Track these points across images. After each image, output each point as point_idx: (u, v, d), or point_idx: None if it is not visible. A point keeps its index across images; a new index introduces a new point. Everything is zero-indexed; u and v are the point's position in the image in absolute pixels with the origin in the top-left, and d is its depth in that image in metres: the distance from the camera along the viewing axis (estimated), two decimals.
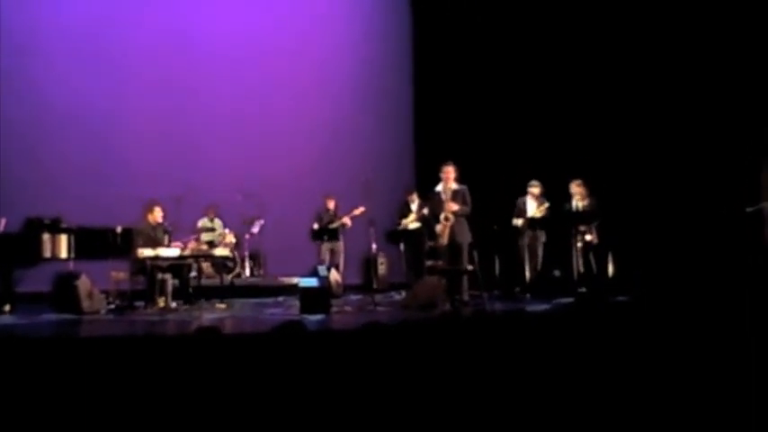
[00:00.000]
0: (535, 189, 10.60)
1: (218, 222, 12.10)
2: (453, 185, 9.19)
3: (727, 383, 4.42)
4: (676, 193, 10.97)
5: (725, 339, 5.10)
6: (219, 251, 10.47)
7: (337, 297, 10.17)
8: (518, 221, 10.52)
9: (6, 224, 9.14)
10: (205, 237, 11.47)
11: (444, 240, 9.11)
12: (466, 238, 9.13)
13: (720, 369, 4.60)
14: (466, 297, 9.10)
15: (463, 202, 9.14)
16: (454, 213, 9.06)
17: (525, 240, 10.52)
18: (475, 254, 9.23)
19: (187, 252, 9.57)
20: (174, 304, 9.30)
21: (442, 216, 9.09)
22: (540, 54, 12.60)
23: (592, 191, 10.29)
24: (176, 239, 9.79)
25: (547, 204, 10.48)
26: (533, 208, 10.55)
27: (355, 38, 14.47)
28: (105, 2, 12.81)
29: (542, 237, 10.62)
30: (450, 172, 9.20)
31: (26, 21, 12.13)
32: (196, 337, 5.07)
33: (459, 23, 13.46)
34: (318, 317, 7.99)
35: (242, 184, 12.17)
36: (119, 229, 9.18)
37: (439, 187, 9.28)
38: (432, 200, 9.42)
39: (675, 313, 6.65)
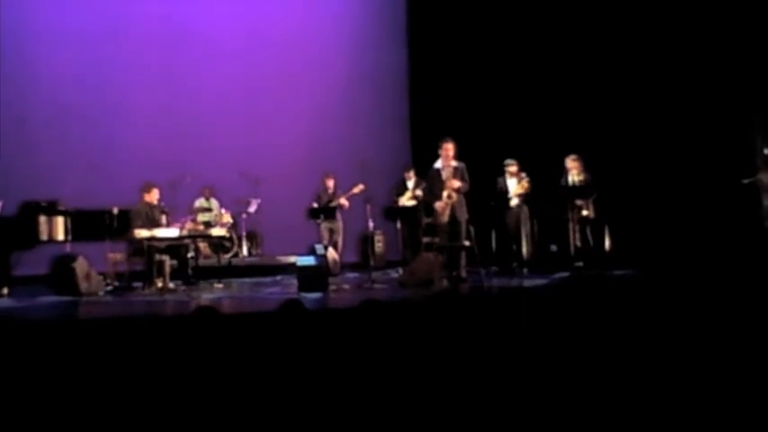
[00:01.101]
0: (512, 167, 10.61)
1: (214, 202, 12.08)
2: (453, 162, 9.18)
3: (725, 354, 4.45)
4: (672, 166, 10.98)
5: (724, 312, 5.12)
6: (216, 231, 10.47)
7: (335, 275, 10.18)
8: (513, 200, 10.53)
9: (3, 207, 9.13)
10: (202, 217, 11.47)
11: (445, 218, 9.12)
12: (465, 215, 9.14)
13: (720, 342, 4.62)
14: (464, 273, 9.12)
15: (462, 179, 9.14)
16: (456, 191, 9.06)
17: (519, 216, 10.53)
18: (471, 230, 9.24)
19: (184, 232, 9.57)
20: (172, 285, 9.32)
21: (444, 194, 9.08)
22: (535, 29, 12.56)
23: (587, 165, 10.30)
24: (173, 220, 9.80)
25: (527, 179, 10.48)
26: (514, 185, 10.56)
27: (351, 19, 14.42)
28: None
29: (527, 211, 10.64)
30: (449, 149, 9.17)
31: (24, 7, 12.05)
32: (194, 316, 5.08)
33: (453, 2, 13.40)
34: (316, 295, 8.02)
35: (238, 164, 12.16)
36: (115, 211, 9.16)
37: (438, 164, 9.26)
38: (431, 177, 9.41)
39: (674, 287, 6.67)
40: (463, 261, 9.17)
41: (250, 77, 13.29)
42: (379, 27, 14.50)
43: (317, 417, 3.91)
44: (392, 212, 10.81)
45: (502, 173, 10.68)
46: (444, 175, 9.15)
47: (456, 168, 9.15)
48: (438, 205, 9.17)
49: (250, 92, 13.25)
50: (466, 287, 8.71)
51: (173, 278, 9.42)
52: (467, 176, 9.19)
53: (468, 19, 13.24)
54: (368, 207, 10.07)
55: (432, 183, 9.39)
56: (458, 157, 9.29)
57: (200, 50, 13.06)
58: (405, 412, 3.95)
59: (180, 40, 12.93)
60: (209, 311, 5.11)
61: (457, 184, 9.06)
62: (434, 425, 3.92)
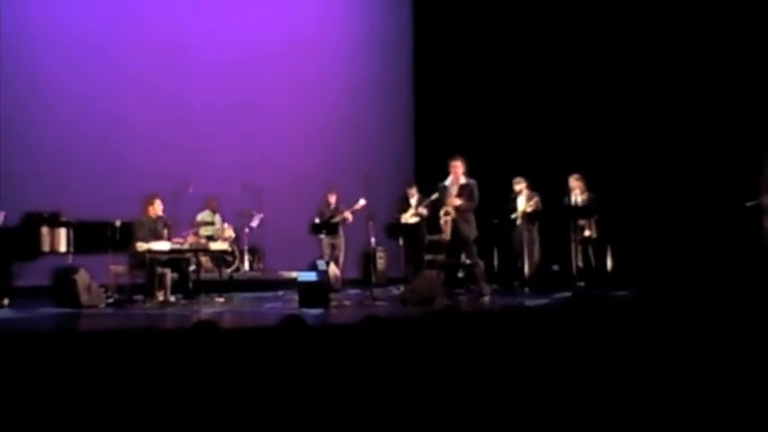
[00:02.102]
0: (519, 185, 10.65)
1: (216, 216, 12.07)
2: (462, 180, 9.22)
3: (726, 376, 4.43)
4: (675, 187, 10.98)
5: (726, 333, 5.11)
6: (218, 245, 10.47)
7: (336, 291, 10.16)
8: (514, 216, 10.57)
9: (5, 218, 9.13)
10: (204, 231, 11.45)
11: (446, 235, 9.15)
12: (470, 232, 9.15)
13: (722, 362, 4.61)
14: (486, 291, 9.10)
15: (469, 197, 9.16)
16: (457, 208, 9.09)
17: (523, 235, 10.53)
18: (474, 248, 9.25)
19: (186, 246, 9.57)
20: (173, 298, 9.31)
21: (442, 211, 9.12)
22: (540, 47, 12.60)
23: (590, 185, 10.30)
24: (176, 233, 9.79)
25: (536, 198, 10.51)
26: (523, 203, 10.59)
27: (355, 31, 14.47)
28: None
29: (535, 231, 10.65)
30: (457, 166, 9.25)
31: (24, 16, 12.09)
32: (195, 331, 5.07)
33: (459, 17, 13.44)
34: (317, 311, 8.00)
35: (241, 177, 12.16)
36: (117, 223, 9.16)
37: (447, 181, 9.31)
38: (440, 193, 9.47)
39: (675, 308, 6.65)
40: (481, 277, 9.19)
41: (253, 89, 13.30)
42: (384, 39, 14.54)
43: None
44: (394, 229, 10.80)
45: (510, 191, 10.71)
46: (450, 192, 9.20)
47: (463, 186, 9.20)
48: (441, 222, 9.22)
49: (253, 104, 13.26)
50: (467, 305, 8.70)
51: (174, 291, 9.41)
52: (475, 195, 9.22)
53: (473, 32, 13.28)
54: (370, 223, 10.07)
55: (440, 199, 9.45)
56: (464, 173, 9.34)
57: (203, 60, 13.09)
58: (404, 430, 3.93)
59: (183, 50, 12.96)
60: (210, 326, 5.09)
61: (457, 201, 9.10)
62: None
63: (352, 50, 14.35)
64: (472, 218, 9.22)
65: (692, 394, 4.30)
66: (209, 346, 4.51)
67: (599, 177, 10.46)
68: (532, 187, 10.70)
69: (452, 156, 9.39)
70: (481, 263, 9.32)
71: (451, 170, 9.26)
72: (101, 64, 12.41)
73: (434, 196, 10.47)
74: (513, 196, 10.71)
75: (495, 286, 10.09)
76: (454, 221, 9.13)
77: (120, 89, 12.47)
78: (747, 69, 10.59)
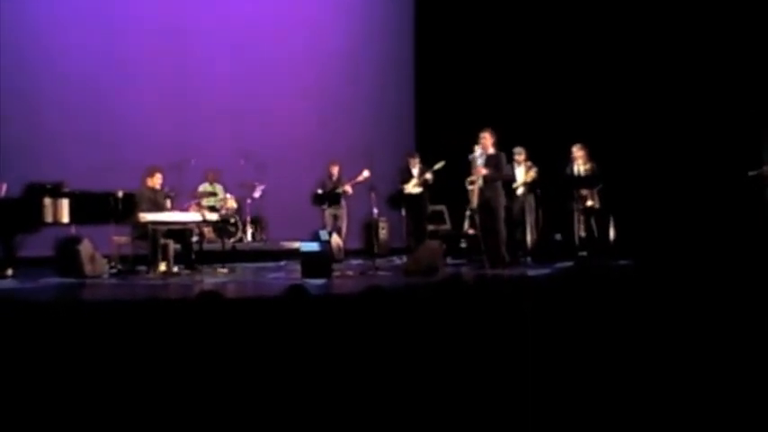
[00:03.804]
0: (519, 156, 10.64)
1: (219, 187, 12.07)
2: (490, 151, 9.27)
3: (727, 346, 4.45)
4: (678, 157, 10.96)
5: (727, 302, 5.12)
6: (220, 215, 10.47)
7: (338, 261, 10.18)
8: (515, 187, 10.55)
9: (7, 189, 9.13)
10: (206, 201, 11.46)
11: (473, 203, 9.32)
12: (497, 201, 9.20)
13: (723, 332, 4.62)
14: (492, 264, 9.12)
15: (495, 168, 9.21)
16: (483, 178, 9.15)
17: (525, 205, 10.54)
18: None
19: (188, 217, 9.57)
20: (176, 269, 9.32)
21: (468, 180, 9.27)
22: (542, 16, 12.53)
23: (593, 155, 10.28)
24: (178, 205, 9.79)
25: (535, 169, 10.52)
26: (522, 173, 10.58)
27: (357, 2, 14.37)
28: None
29: (532, 201, 10.66)
30: (485, 138, 9.32)
31: None
32: (198, 301, 5.08)
33: None
34: (320, 281, 8.01)
35: (244, 148, 12.14)
36: (120, 194, 9.14)
37: (477, 152, 9.36)
38: (471, 164, 9.56)
39: (677, 278, 6.66)
40: (501, 246, 9.23)
41: (256, 62, 13.28)
42: (386, 12, 14.47)
43: (319, 402, 3.92)
44: (397, 200, 10.80)
45: (510, 161, 10.68)
46: (479, 162, 9.24)
47: (490, 156, 9.26)
48: (469, 189, 9.44)
49: (256, 76, 13.23)
50: (469, 275, 8.72)
51: (177, 262, 9.42)
52: (501, 165, 9.29)
53: (474, 5, 13.19)
54: (372, 194, 10.06)
55: (469, 169, 9.60)
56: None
57: (207, 33, 13.05)
58: (407, 399, 3.95)
59: (185, 22, 12.91)
60: (213, 296, 5.11)
61: (483, 171, 9.17)
62: (437, 412, 3.92)
63: (355, 23, 14.27)
64: (499, 187, 9.28)
65: (694, 365, 4.32)
66: (213, 317, 4.53)
67: (601, 147, 10.43)
68: (534, 157, 10.68)
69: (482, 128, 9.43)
70: (504, 233, 9.32)
71: (480, 141, 9.31)
72: (103, 35, 12.36)
73: (437, 166, 10.50)
74: (509, 166, 10.66)
75: None
76: (481, 190, 9.20)
77: (123, 61, 12.43)
78: (750, 38, 10.53)
